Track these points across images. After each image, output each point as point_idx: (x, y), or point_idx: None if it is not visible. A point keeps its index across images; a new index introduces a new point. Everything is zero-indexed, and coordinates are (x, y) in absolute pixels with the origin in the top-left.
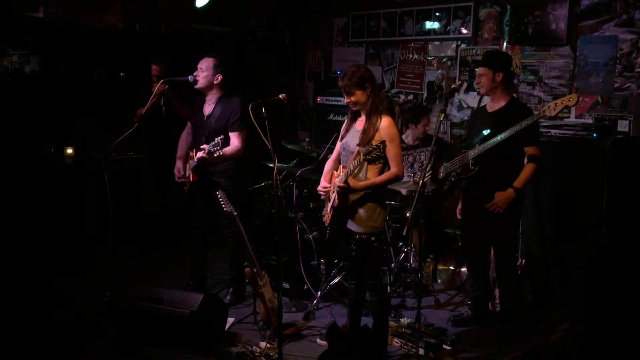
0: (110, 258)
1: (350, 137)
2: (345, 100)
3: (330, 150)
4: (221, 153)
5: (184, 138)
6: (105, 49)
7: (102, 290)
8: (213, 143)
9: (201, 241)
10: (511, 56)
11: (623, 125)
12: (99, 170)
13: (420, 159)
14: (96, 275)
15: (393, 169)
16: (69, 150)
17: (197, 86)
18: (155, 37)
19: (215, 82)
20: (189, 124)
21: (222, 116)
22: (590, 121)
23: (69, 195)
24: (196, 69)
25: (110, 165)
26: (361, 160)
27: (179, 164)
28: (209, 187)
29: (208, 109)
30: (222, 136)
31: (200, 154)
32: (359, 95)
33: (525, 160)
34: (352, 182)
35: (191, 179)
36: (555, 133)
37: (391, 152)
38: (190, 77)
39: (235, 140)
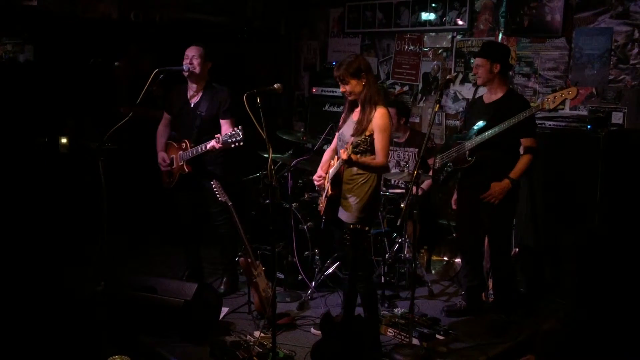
0: (105, 248)
1: (347, 128)
2: (340, 89)
3: (326, 141)
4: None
5: (162, 131)
6: (100, 38)
7: (97, 280)
8: (231, 133)
9: (193, 232)
10: (509, 48)
11: (617, 117)
12: (93, 160)
13: (405, 157)
14: (91, 265)
15: (378, 159)
16: (64, 140)
17: (193, 70)
18: (150, 27)
19: (207, 67)
20: (166, 115)
21: (212, 105)
22: (584, 113)
23: (63, 185)
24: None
25: (105, 155)
26: (350, 152)
27: (162, 154)
28: (199, 178)
29: (195, 98)
30: (222, 122)
31: (212, 143)
32: (354, 85)
33: (521, 151)
34: (354, 157)
35: (185, 170)
36: (550, 125)
37: (378, 142)
38: (185, 67)
39: (227, 128)
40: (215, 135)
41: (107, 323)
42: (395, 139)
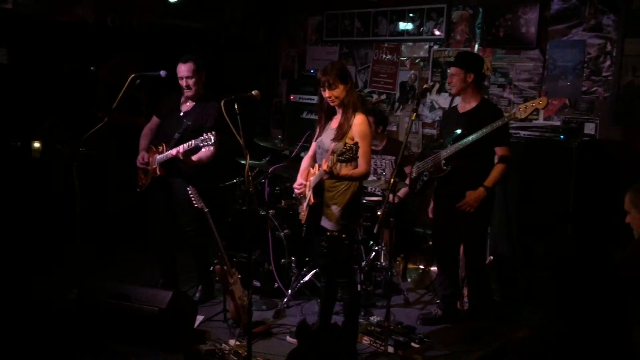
0: (78, 254)
1: (326, 135)
2: (326, 94)
3: (303, 148)
4: (201, 153)
5: (146, 132)
6: (76, 43)
7: (70, 288)
8: (202, 138)
9: (165, 238)
10: (483, 58)
11: (589, 128)
12: (67, 165)
13: (382, 165)
14: (63, 272)
15: (360, 167)
16: (37, 144)
17: (189, 94)
18: (127, 32)
19: (203, 81)
20: (154, 118)
21: (199, 117)
22: (558, 123)
23: (35, 190)
24: (169, 64)
25: (79, 160)
26: (335, 161)
27: (142, 153)
28: (174, 183)
29: (186, 106)
30: (214, 132)
31: (179, 148)
32: (341, 90)
33: (496, 160)
34: (335, 170)
35: (158, 173)
36: (524, 134)
37: (361, 150)
38: (162, 72)
39: None
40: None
41: (79, 331)
42: (372, 147)
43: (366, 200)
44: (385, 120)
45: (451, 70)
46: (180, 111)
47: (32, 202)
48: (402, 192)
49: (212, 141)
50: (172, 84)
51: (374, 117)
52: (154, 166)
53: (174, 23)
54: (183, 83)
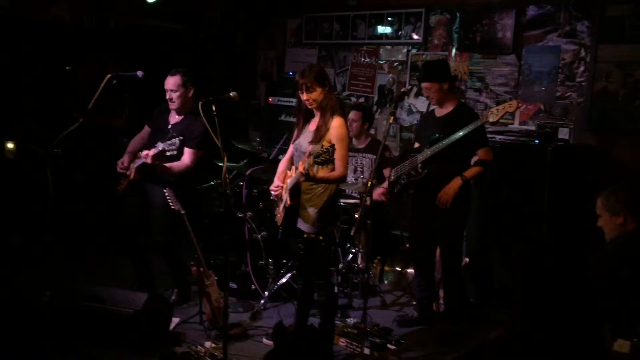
0: (52, 256)
1: (303, 138)
2: (304, 97)
3: (281, 151)
4: (173, 164)
5: (137, 139)
6: (52, 42)
7: (43, 289)
8: (169, 142)
9: (138, 242)
10: (447, 60)
11: (564, 133)
12: (41, 166)
13: (361, 164)
14: (37, 274)
15: (338, 170)
16: (10, 145)
17: (173, 107)
18: (104, 32)
19: (189, 95)
20: (145, 127)
21: (185, 130)
22: (532, 128)
23: (9, 191)
24: (146, 65)
25: (53, 161)
26: (311, 163)
27: (125, 157)
28: (150, 189)
29: (174, 118)
30: (181, 138)
31: (149, 151)
32: (319, 93)
33: (473, 162)
34: (312, 172)
35: (131, 177)
36: (500, 139)
37: (338, 153)
38: (139, 73)
39: (187, 157)
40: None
41: (53, 333)
42: (354, 144)
43: (343, 203)
44: (372, 117)
45: (426, 84)
46: (168, 123)
47: (6, 203)
48: (375, 193)
49: (176, 147)
50: (156, 86)
51: (362, 113)
52: (131, 171)
53: (152, 24)
54: (167, 96)
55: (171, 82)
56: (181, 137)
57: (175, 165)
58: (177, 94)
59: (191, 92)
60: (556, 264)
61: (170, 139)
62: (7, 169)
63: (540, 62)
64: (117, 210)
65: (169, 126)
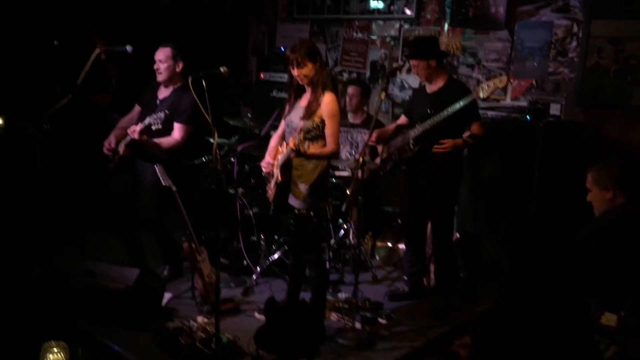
0: (43, 233)
1: (295, 114)
2: (295, 73)
3: (273, 127)
4: (162, 139)
5: (128, 118)
6: (39, 15)
7: (34, 265)
8: (155, 116)
9: (127, 218)
10: (435, 37)
11: (555, 109)
12: (30, 142)
13: (356, 139)
14: (28, 251)
15: (329, 146)
16: None
17: (160, 80)
18: (93, 3)
19: (177, 70)
20: (136, 106)
21: (174, 104)
22: (524, 104)
23: None
24: (133, 40)
25: (43, 137)
26: (302, 139)
27: (111, 136)
28: (139, 165)
29: (163, 93)
30: (167, 111)
31: (136, 127)
32: (310, 68)
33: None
34: (302, 148)
35: (121, 153)
36: (492, 115)
37: (329, 129)
38: (128, 47)
39: (176, 132)
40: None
41: (44, 309)
42: (350, 120)
43: (335, 179)
44: (369, 93)
45: (413, 62)
46: (157, 99)
47: None
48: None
49: (161, 120)
50: (145, 60)
51: (361, 88)
52: (121, 147)
53: None
54: (155, 66)
55: (161, 54)
56: (167, 111)
57: (164, 140)
58: (165, 65)
59: (180, 66)
60: (545, 238)
61: (156, 113)
62: None
63: (532, 38)
64: (105, 187)
65: (158, 101)
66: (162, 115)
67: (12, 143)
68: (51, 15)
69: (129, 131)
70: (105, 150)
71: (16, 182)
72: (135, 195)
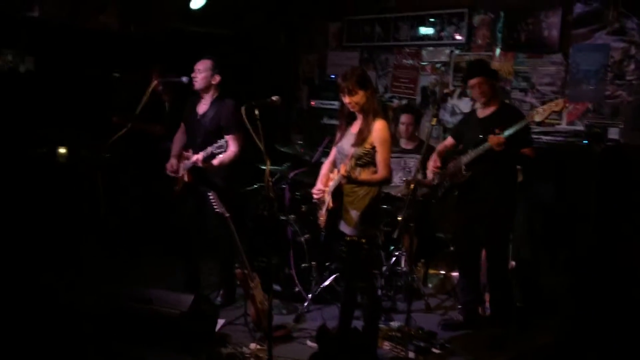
0: (101, 258)
1: (346, 141)
2: (346, 100)
3: (324, 154)
4: (221, 157)
5: (179, 137)
6: (100, 49)
7: (91, 291)
8: (217, 145)
9: (193, 242)
10: (486, 60)
11: (613, 133)
12: (91, 169)
13: (408, 165)
14: (86, 276)
15: (380, 172)
16: (62, 150)
17: (196, 87)
18: (150, 38)
19: (213, 82)
20: (182, 125)
21: (216, 117)
22: (581, 128)
23: (60, 195)
24: (191, 70)
25: (103, 165)
26: (353, 165)
27: (172, 160)
28: (202, 188)
29: (202, 108)
30: (227, 138)
31: (198, 155)
32: (361, 96)
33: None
34: (353, 174)
35: (186, 179)
36: (547, 139)
37: (380, 155)
38: (184, 79)
39: (232, 145)
40: (201, 152)
41: (100, 333)
42: (403, 146)
43: (386, 206)
44: (421, 119)
45: (474, 81)
46: (197, 114)
47: (58, 206)
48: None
49: (225, 147)
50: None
51: (414, 115)
52: (182, 173)
53: (195, 29)
54: (193, 74)
55: (201, 64)
56: (227, 136)
57: (224, 157)
58: (203, 75)
59: (217, 79)
60: (604, 266)
61: (217, 142)
62: (60, 174)
63: (587, 61)
64: (170, 212)
65: (198, 116)
66: (223, 143)
67: (74, 171)
68: (112, 49)
69: (192, 159)
70: (168, 173)
71: (78, 208)
72: (201, 218)
